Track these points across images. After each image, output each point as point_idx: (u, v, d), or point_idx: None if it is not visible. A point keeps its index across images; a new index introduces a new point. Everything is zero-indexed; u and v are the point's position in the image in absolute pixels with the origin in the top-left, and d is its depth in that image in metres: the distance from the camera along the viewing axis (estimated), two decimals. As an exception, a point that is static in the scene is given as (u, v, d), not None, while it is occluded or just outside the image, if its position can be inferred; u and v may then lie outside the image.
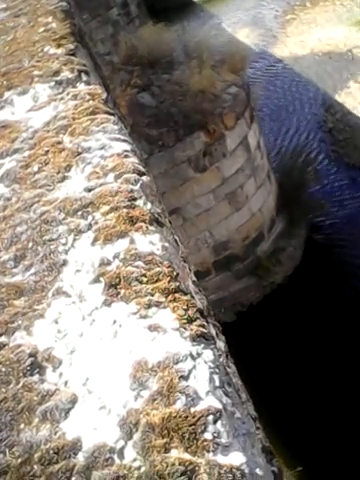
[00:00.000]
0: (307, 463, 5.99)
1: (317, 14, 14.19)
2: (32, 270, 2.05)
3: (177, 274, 1.89)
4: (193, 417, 1.43)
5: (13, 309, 1.92)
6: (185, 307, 1.74)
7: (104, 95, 2.86)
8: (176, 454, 1.38)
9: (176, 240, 2.50)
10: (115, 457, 1.44)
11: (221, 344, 1.84)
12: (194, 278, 2.41)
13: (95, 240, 2.07)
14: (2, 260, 2.15)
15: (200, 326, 1.69)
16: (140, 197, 2.21)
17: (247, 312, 8.46)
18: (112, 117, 2.68)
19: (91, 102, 2.76)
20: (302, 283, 8.75)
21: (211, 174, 8.60)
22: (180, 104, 8.60)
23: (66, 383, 1.65)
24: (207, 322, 1.79)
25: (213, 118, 8.69)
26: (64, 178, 2.41)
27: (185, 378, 1.53)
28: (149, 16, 10.94)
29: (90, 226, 2.14)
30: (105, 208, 2.17)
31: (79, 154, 2.49)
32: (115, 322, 1.76)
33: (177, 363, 1.57)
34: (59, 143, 2.60)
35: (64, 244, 2.11)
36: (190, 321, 1.69)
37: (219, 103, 8.92)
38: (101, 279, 1.92)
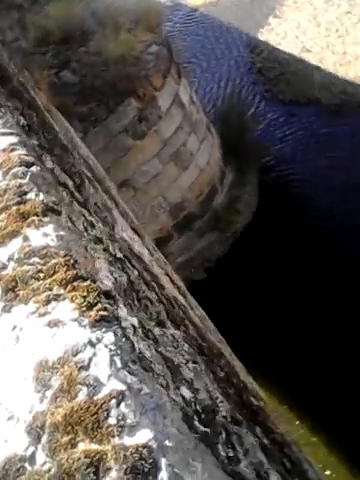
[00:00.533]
0: (290, 401, 6.13)
1: None
2: None
3: (75, 261, 1.82)
4: (95, 406, 1.41)
5: None
6: (84, 294, 1.69)
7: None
8: (82, 447, 1.36)
9: (89, 221, 2.34)
10: (26, 465, 1.41)
11: (134, 320, 1.76)
12: (111, 258, 2.33)
13: (-12, 246, 1.97)
14: None
15: (101, 310, 1.64)
16: (31, 190, 2.13)
17: (216, 267, 8.47)
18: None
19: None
20: (263, 227, 8.78)
21: (151, 139, 8.44)
22: (104, 74, 8.35)
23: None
24: (114, 302, 1.74)
25: (140, 81, 8.49)
26: None
27: (85, 368, 1.50)
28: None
29: (-18, 233, 2.03)
30: (-5, 210, 2.07)
31: None
32: (15, 327, 1.71)
33: (76, 354, 1.53)
34: None
35: None
36: (90, 307, 1.65)
37: (142, 65, 8.71)
38: (-2, 285, 1.83)
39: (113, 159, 8.16)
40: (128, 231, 4.18)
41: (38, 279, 1.79)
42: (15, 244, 1.94)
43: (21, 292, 1.78)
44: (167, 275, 4.36)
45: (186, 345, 2.12)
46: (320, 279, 8.01)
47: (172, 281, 4.35)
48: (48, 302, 1.71)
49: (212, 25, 12.66)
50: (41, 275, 1.79)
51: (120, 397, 1.40)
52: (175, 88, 8.98)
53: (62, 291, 1.72)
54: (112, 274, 2.02)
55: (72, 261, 1.81)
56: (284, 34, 12.13)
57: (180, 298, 3.75)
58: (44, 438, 1.42)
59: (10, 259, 1.90)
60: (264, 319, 7.57)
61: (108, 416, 1.38)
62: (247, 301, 7.85)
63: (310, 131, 10.52)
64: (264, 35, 11.96)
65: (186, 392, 1.69)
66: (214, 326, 4.22)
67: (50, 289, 1.74)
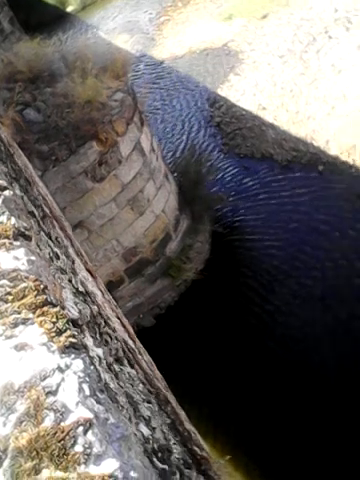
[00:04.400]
0: (234, 451, 6.20)
1: (189, 13, 14.54)
2: None
3: (45, 287, 1.83)
4: (62, 432, 1.39)
5: None
6: (54, 320, 1.70)
7: None
8: (47, 474, 1.34)
9: (55, 252, 2.45)
10: None
11: (99, 351, 1.80)
12: (74, 290, 2.37)
13: None
14: None
15: (70, 337, 1.65)
16: (3, 213, 2.14)
17: (165, 314, 8.56)
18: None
19: None
20: (213, 276, 8.98)
21: (110, 182, 8.57)
22: (68, 116, 8.48)
23: None
24: (81, 331, 1.77)
25: (103, 126, 8.65)
26: None
27: (53, 393, 1.48)
28: (25, 31, 10.67)
29: None
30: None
31: None
32: None
33: (44, 379, 1.52)
34: None
35: None
36: (59, 333, 1.66)
37: (107, 111, 8.89)
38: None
39: (70, 199, 8.23)
40: (83, 271, 4.23)
41: (6, 301, 1.77)
42: None
43: None
44: (118, 318, 4.41)
45: (141, 385, 2.16)
46: (266, 330, 8.24)
47: (122, 324, 4.40)
48: (16, 325, 1.69)
49: (176, 78, 13.11)
50: (10, 297, 1.78)
51: (87, 425, 1.38)
52: (137, 135, 9.20)
53: (31, 315, 1.70)
54: (77, 305, 2.05)
55: (42, 286, 1.81)
56: (243, 91, 12.68)
57: (130, 342, 3.80)
58: (6, 462, 1.38)
59: None
60: (210, 370, 7.67)
61: (75, 443, 1.36)
62: (194, 351, 7.95)
63: (262, 184, 10.95)
64: (224, 91, 12.45)
65: (144, 429, 1.71)
66: (160, 374, 4.28)
67: (18, 312, 1.72)
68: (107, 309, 3.76)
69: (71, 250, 4.23)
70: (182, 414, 3.71)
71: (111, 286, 7.84)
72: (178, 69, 12.98)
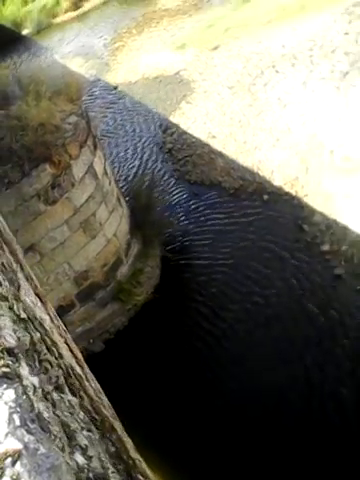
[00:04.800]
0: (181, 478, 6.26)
1: (144, 40, 14.82)
2: None
3: None
4: None
5: None
6: None
7: None
8: None
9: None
10: None
11: (34, 379, 1.77)
12: (15, 317, 2.39)
13: None
14: None
15: (2, 366, 1.63)
16: None
17: (115, 339, 8.58)
18: None
19: None
20: (163, 300, 9.09)
21: (62, 205, 8.57)
22: (22, 139, 8.47)
23: None
24: (16, 360, 1.75)
25: (56, 149, 8.68)
26: None
27: None
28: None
29: None
30: None
31: None
32: None
33: None
34: None
35: None
36: None
37: (60, 133, 8.93)
38: None
39: (22, 222, 8.17)
40: (31, 296, 4.25)
41: None
42: None
43: None
44: (66, 343, 4.43)
45: (81, 413, 2.12)
46: (213, 355, 8.38)
47: (71, 350, 4.42)
48: None
49: (130, 103, 13.29)
50: None
51: (16, 456, 1.36)
52: (90, 159, 9.26)
53: None
54: (15, 333, 2.02)
55: None
56: (194, 119, 13.00)
57: (77, 368, 3.83)
58: None
59: None
60: (157, 396, 7.72)
61: (2, 475, 1.33)
62: (142, 376, 7.99)
63: (211, 211, 11.22)
64: (176, 118, 12.72)
65: (80, 458, 1.67)
66: (108, 401, 4.32)
67: None
68: (55, 334, 3.77)
69: (20, 274, 4.24)
70: (129, 442, 3.74)
71: (62, 311, 7.80)
72: (132, 95, 13.17)
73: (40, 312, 4.01)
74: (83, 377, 3.67)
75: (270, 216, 10.69)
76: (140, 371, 7.95)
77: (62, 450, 1.57)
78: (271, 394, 7.41)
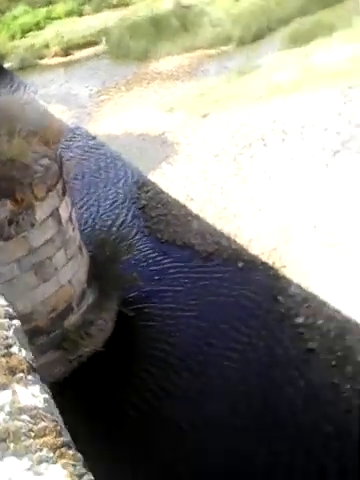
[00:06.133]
0: None
1: (131, 98, 15.00)
2: None
3: (61, 428, 1.93)
4: None
5: None
6: (73, 462, 1.81)
7: None
8: None
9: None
10: None
11: None
12: None
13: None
14: None
15: None
16: (15, 343, 2.23)
17: (51, 389, 7.96)
18: None
19: None
20: (111, 356, 8.57)
21: (17, 243, 8.31)
22: (-13, 171, 8.29)
23: None
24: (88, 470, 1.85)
25: (22, 187, 8.52)
26: None
27: None
28: None
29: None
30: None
31: None
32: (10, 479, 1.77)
33: None
34: None
35: None
36: (80, 477, 1.78)
37: (29, 173, 8.79)
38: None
39: (-28, 254, 7.84)
40: None
41: (29, 437, 1.86)
42: (5, 396, 2.01)
43: (12, 445, 1.84)
44: None
45: None
46: (157, 422, 7.81)
47: None
48: (40, 462, 1.79)
49: (109, 155, 13.25)
50: (32, 434, 1.86)
51: None
52: (57, 203, 9.08)
53: (51, 454, 1.81)
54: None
55: (58, 427, 1.90)
56: (173, 180, 12.92)
57: None
58: None
59: (1, 409, 1.97)
60: (97, 455, 7.09)
61: None
62: (79, 432, 7.37)
63: (180, 272, 10.85)
64: (155, 177, 12.65)
65: None
66: None
67: (40, 450, 1.82)
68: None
69: None
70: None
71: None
72: (111, 147, 13.17)
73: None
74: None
75: (243, 284, 10.28)
76: (72, 426, 7.31)
77: None
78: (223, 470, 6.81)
